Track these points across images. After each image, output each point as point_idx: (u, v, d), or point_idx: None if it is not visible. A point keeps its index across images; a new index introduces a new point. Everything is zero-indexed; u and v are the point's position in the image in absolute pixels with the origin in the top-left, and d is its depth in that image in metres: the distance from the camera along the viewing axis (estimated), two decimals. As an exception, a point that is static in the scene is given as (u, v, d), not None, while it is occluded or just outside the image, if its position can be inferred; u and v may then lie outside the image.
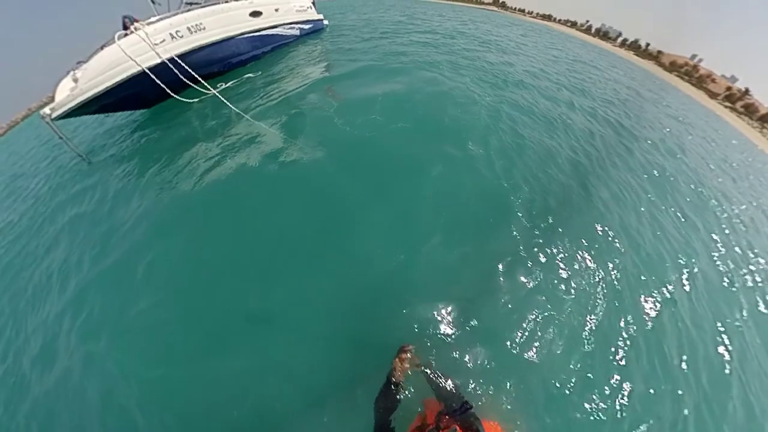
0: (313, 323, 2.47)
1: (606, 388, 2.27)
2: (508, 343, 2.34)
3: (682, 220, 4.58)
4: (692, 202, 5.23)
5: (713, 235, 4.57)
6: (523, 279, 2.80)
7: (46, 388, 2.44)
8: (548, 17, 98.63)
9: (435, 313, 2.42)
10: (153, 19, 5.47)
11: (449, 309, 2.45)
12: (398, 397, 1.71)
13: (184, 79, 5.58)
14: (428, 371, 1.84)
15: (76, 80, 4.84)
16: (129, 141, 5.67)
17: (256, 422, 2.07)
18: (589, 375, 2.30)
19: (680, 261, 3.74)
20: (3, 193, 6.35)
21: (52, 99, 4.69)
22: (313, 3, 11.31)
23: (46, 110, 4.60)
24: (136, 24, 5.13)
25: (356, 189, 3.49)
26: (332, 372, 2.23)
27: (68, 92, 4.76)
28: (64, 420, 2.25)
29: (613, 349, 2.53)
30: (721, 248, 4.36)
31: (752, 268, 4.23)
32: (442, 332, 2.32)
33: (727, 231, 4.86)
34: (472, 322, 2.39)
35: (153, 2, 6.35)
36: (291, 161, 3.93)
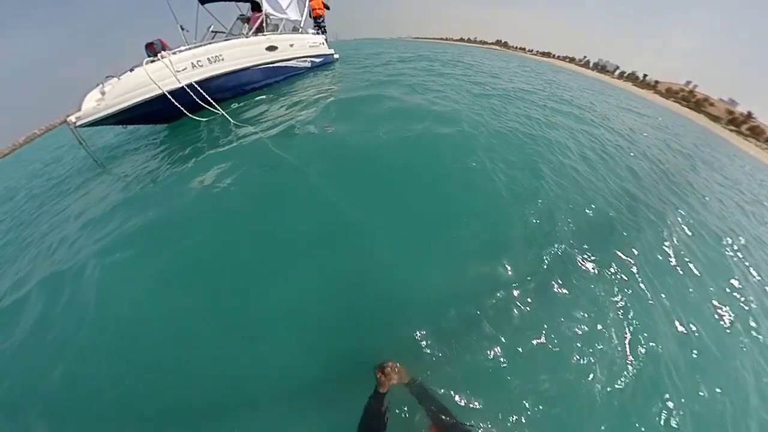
0: (299, 333, 2.33)
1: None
2: (516, 368, 2.13)
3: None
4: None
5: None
6: (535, 304, 2.55)
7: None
8: (547, 54, 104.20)
9: (434, 332, 2.27)
10: (183, 48, 6.13)
11: (450, 329, 2.30)
12: (385, 410, 1.60)
13: (200, 102, 6.10)
14: (421, 388, 1.73)
15: (103, 93, 5.32)
16: (141, 152, 6.05)
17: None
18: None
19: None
20: (24, 178, 8.29)
21: (79, 108, 5.12)
22: (326, 39, 12.37)
23: (72, 118, 5.00)
24: (162, 53, 5.71)
25: (358, 201, 3.46)
26: (314, 384, 2.05)
27: (95, 104, 5.22)
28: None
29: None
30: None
31: None
32: (440, 351, 2.17)
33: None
34: (475, 344, 2.24)
35: (182, 29, 7.10)
36: (292, 173, 3.99)
